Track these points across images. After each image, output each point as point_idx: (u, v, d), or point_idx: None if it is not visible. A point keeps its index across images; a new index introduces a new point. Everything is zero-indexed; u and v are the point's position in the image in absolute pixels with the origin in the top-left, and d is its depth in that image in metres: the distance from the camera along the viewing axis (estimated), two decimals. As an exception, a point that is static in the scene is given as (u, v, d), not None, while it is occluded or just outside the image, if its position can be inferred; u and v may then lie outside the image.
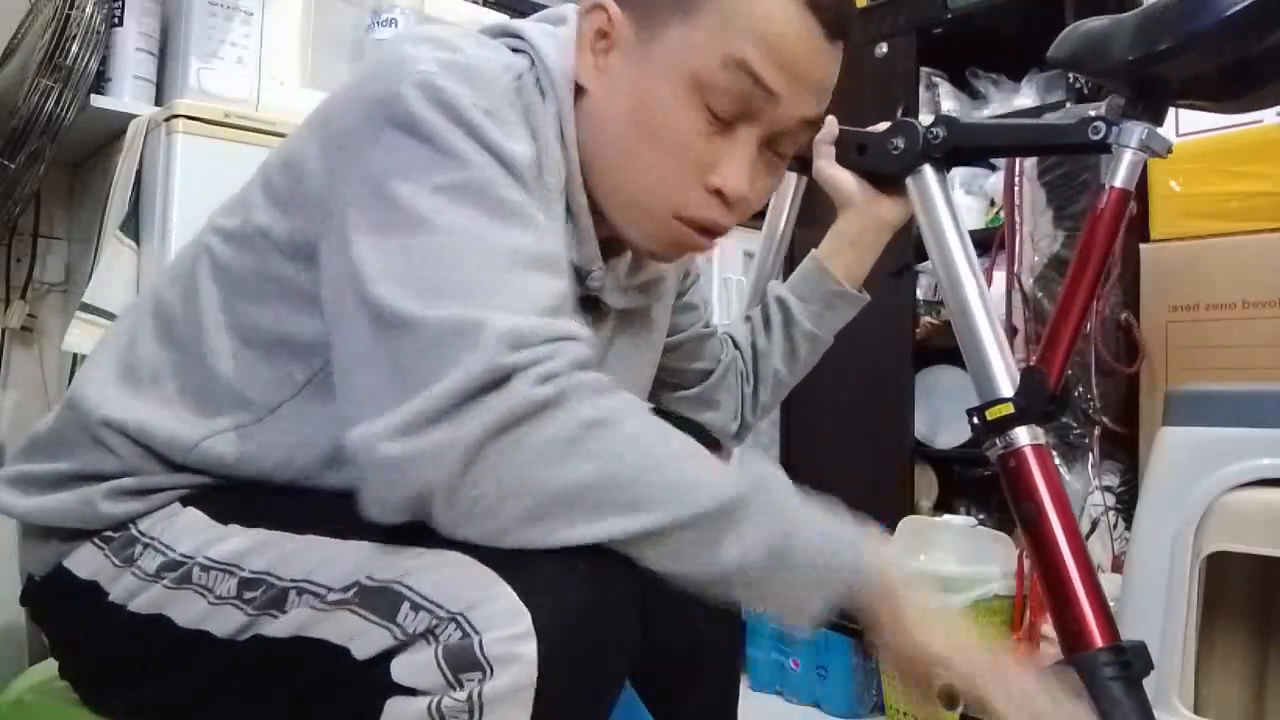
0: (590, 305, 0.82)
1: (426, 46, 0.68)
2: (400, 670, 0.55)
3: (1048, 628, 1.54)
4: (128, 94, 1.54)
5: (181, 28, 1.56)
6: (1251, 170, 1.50)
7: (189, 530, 0.69)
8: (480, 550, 0.57)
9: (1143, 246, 1.60)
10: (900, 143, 0.98)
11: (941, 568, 1.68)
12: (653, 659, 0.93)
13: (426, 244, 0.61)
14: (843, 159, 1.01)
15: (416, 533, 0.59)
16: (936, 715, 0.64)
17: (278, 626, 0.62)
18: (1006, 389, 0.90)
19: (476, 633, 0.54)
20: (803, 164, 1.04)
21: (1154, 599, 1.06)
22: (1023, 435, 0.88)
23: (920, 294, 2.06)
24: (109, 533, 0.72)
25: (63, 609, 0.75)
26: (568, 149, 0.75)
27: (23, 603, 0.78)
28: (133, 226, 1.45)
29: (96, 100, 1.48)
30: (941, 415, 2.02)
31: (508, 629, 0.54)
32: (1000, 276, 1.72)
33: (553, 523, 0.57)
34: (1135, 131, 0.90)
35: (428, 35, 0.70)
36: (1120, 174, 0.92)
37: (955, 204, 0.98)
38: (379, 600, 0.57)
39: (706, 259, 0.90)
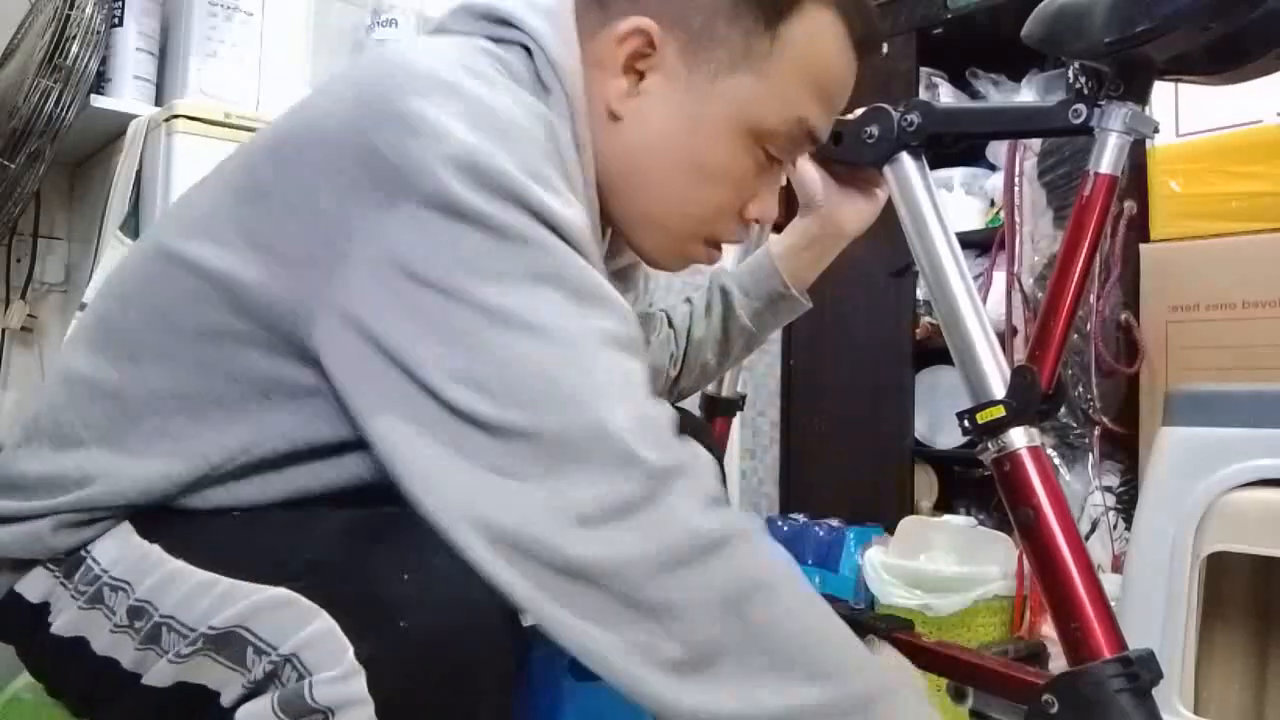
0: None
1: (440, 98, 0.58)
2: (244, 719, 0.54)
3: (1048, 628, 1.54)
4: (128, 94, 1.54)
5: (181, 28, 1.56)
6: (1251, 170, 1.50)
7: (115, 545, 0.67)
8: (310, 573, 0.56)
9: (1143, 246, 1.60)
10: (875, 130, 0.94)
11: (941, 568, 1.68)
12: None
13: (505, 343, 0.55)
14: (818, 150, 0.98)
15: (261, 553, 0.59)
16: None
17: (159, 674, 0.60)
18: (998, 389, 0.85)
19: (308, 674, 0.52)
20: None
21: (1154, 599, 1.06)
22: (1017, 437, 0.83)
23: (920, 294, 2.07)
24: (62, 555, 0.70)
25: (15, 635, 0.73)
26: (582, 151, 0.69)
27: None
28: (133, 226, 1.45)
29: (96, 100, 1.47)
30: (941, 415, 2.03)
31: (334, 668, 0.51)
32: (1000, 276, 1.72)
33: (723, 670, 0.55)
34: (1118, 113, 0.85)
35: (432, 76, 0.60)
36: (1105, 159, 0.86)
37: (936, 193, 0.95)
38: (229, 646, 0.56)
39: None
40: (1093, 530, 1.58)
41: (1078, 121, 0.87)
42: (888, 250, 1.90)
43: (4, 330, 1.69)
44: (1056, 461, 1.63)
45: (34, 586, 0.71)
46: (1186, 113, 1.56)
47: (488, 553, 0.54)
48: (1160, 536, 1.07)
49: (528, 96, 0.65)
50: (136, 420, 0.67)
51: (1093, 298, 1.59)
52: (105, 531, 0.69)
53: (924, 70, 2.11)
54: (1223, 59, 0.85)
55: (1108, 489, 1.60)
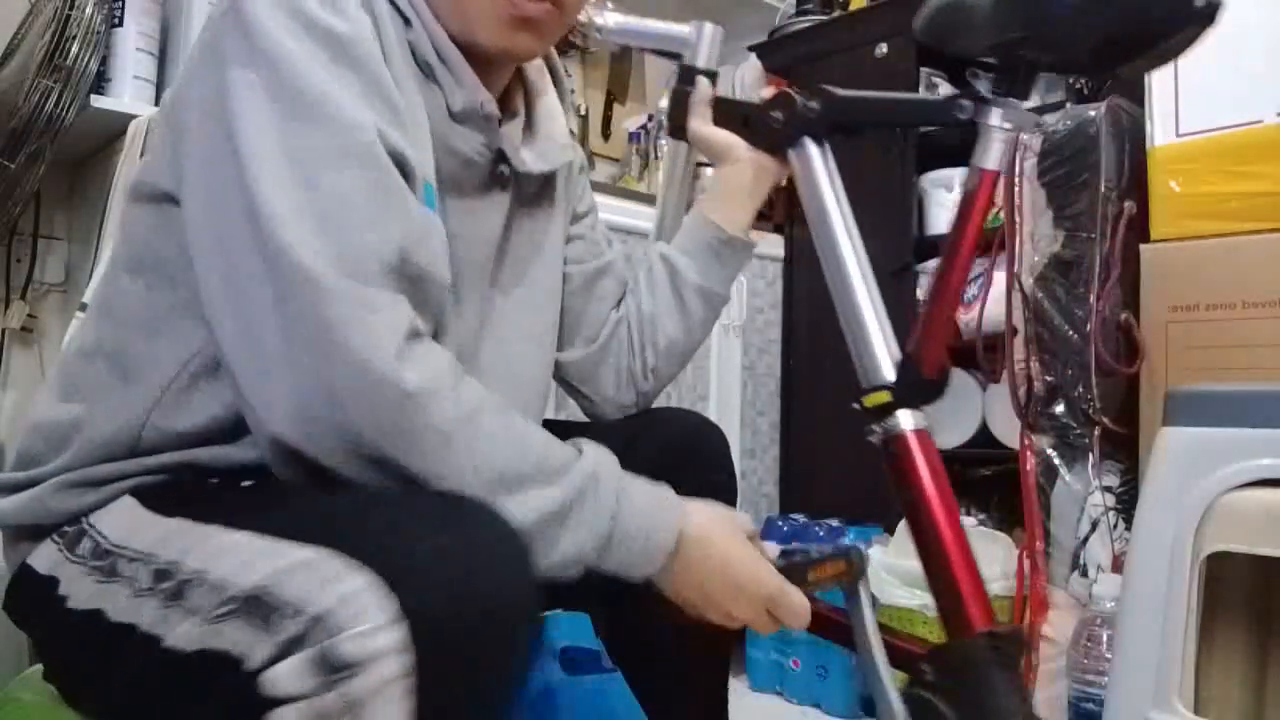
0: (489, 175, 0.84)
1: None
2: (275, 681, 0.54)
3: (1049, 628, 1.54)
4: (128, 94, 1.54)
5: (181, 28, 1.56)
6: (1251, 170, 1.50)
7: (122, 519, 0.69)
8: (343, 537, 0.57)
9: (1143, 246, 1.60)
10: (779, 116, 0.97)
11: (941, 568, 1.68)
12: (646, 658, 0.93)
13: (237, 151, 0.64)
14: (725, 128, 1.01)
15: (293, 518, 0.61)
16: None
17: (183, 637, 0.61)
18: (888, 374, 0.88)
19: (339, 631, 0.53)
20: (680, 130, 1.05)
21: (1154, 599, 1.06)
22: (903, 420, 0.86)
23: (920, 294, 2.06)
24: (65, 527, 0.73)
25: (26, 606, 0.76)
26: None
27: (3, 608, 0.78)
28: (132, 226, 1.45)
29: (96, 100, 1.48)
30: (941, 415, 2.02)
31: (367, 623, 0.53)
32: (1000, 276, 1.72)
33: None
34: (1000, 110, 0.87)
35: None
36: (989, 155, 0.88)
37: (837, 177, 0.96)
38: (257, 608, 0.57)
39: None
40: (1093, 530, 1.58)
41: (963, 117, 0.89)
42: (887, 250, 1.90)
43: (4, 330, 1.69)
44: (1056, 461, 1.63)
45: (42, 559, 0.73)
46: (1186, 113, 1.56)
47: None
48: (1160, 536, 1.07)
49: None
50: (120, 362, 0.74)
51: (1093, 298, 1.59)
52: (105, 502, 0.71)
53: (924, 70, 2.10)
54: (1107, 57, 0.86)
55: (1108, 489, 1.60)
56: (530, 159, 0.86)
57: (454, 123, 0.80)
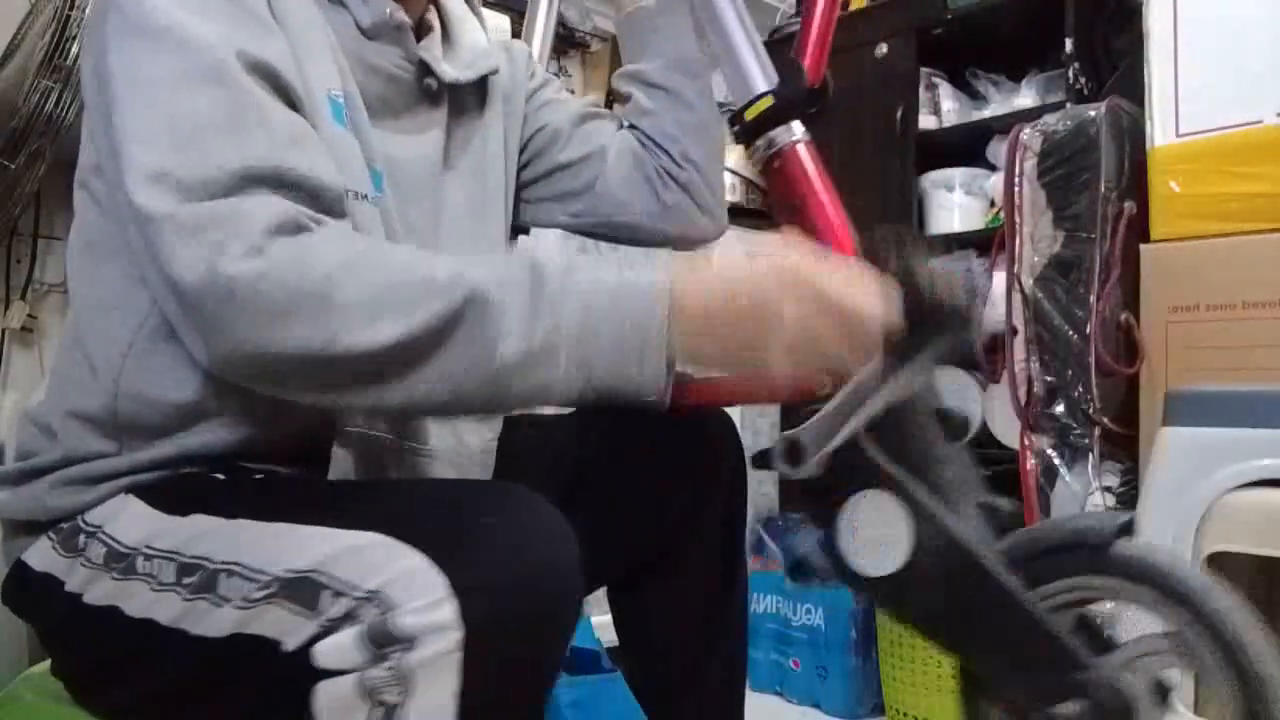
0: (418, 91, 0.84)
1: None
2: (323, 655, 0.55)
3: (1048, 628, 1.53)
4: (128, 94, 1.54)
5: (181, 28, 1.55)
6: (1251, 170, 1.50)
7: (134, 521, 0.69)
8: (393, 523, 0.57)
9: (1143, 246, 1.60)
10: None
11: (941, 568, 1.68)
12: (654, 666, 0.93)
13: (112, 105, 0.64)
14: None
15: (332, 509, 0.61)
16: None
17: (213, 624, 0.61)
18: (770, 80, 0.86)
19: (393, 607, 0.54)
20: None
21: (1154, 599, 1.06)
22: (791, 132, 0.84)
23: (920, 294, 2.06)
24: (61, 524, 0.73)
25: (26, 602, 0.77)
26: None
27: (3, 600, 0.79)
28: (133, 226, 1.45)
29: (96, 100, 1.48)
30: (941, 415, 2.02)
31: (423, 598, 0.53)
32: (1000, 276, 1.72)
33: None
34: None
35: None
36: None
37: None
38: (301, 591, 0.57)
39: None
40: (1093, 530, 1.58)
41: None
42: (888, 250, 1.90)
43: (4, 330, 1.69)
44: (1056, 461, 1.63)
45: (37, 556, 0.74)
46: (1186, 113, 1.56)
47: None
48: (1160, 536, 1.07)
49: None
50: (85, 343, 0.75)
51: (1093, 298, 1.59)
52: (100, 500, 0.72)
53: (924, 70, 2.11)
54: None
55: (1108, 489, 1.60)
56: (454, 70, 0.86)
57: (367, 39, 0.80)
